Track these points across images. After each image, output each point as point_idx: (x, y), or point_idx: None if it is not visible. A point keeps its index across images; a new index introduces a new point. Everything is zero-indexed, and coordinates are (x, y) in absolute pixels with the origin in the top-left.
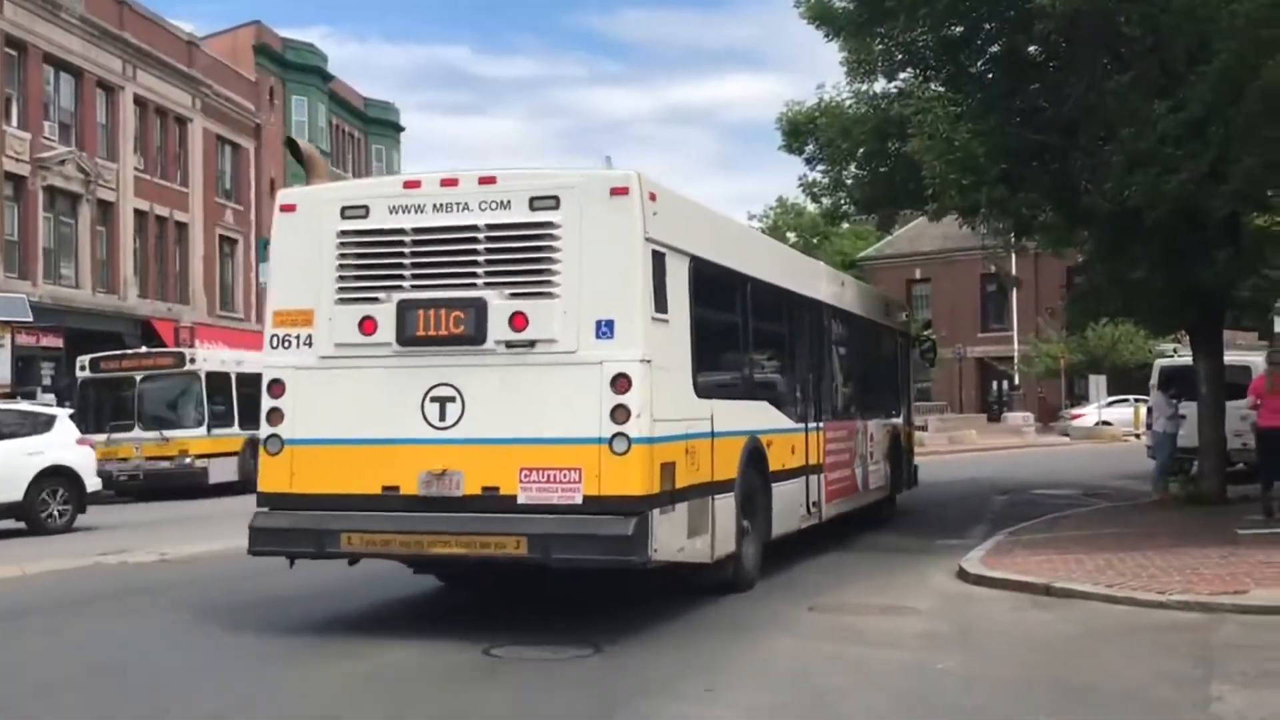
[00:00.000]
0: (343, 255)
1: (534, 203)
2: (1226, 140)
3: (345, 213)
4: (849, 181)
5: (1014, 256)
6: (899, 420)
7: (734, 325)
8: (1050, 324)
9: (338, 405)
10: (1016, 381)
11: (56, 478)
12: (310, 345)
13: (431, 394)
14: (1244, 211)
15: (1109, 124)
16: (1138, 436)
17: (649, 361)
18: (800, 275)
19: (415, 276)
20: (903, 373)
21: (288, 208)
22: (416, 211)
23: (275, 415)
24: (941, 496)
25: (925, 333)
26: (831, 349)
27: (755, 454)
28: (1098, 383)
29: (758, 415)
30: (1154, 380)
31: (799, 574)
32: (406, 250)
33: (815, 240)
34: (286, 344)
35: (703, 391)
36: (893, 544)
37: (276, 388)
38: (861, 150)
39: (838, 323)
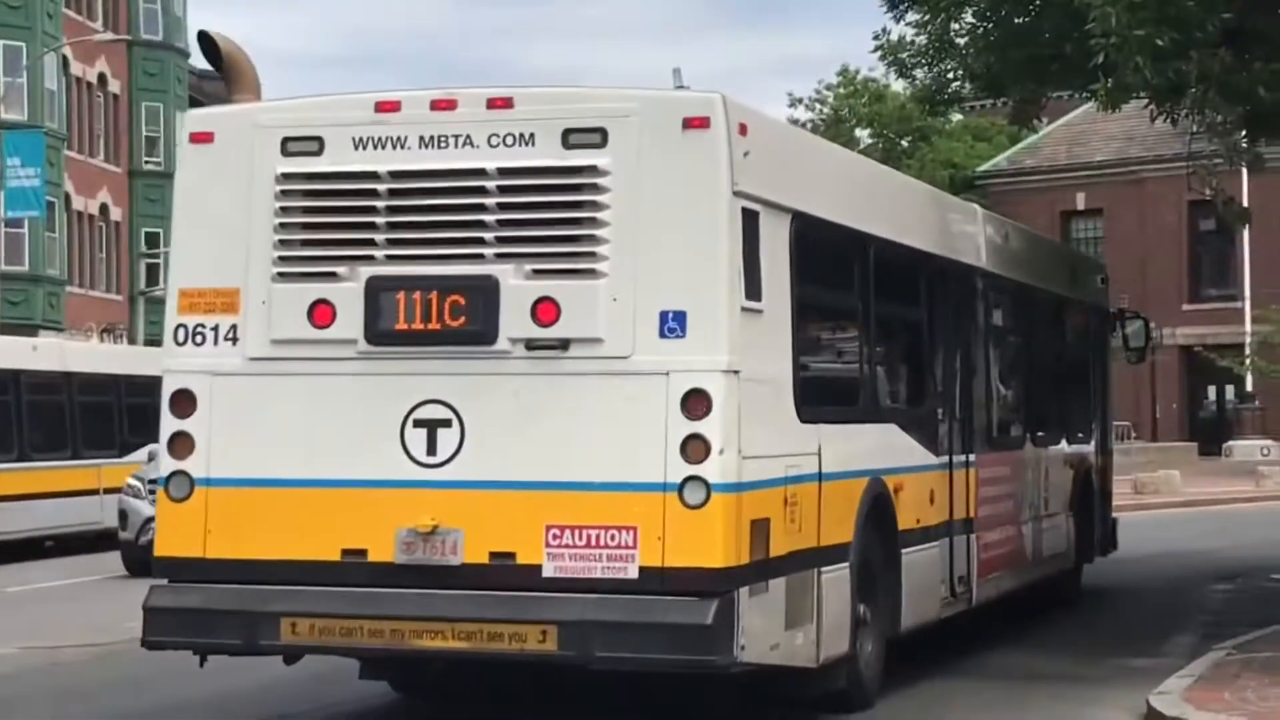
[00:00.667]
0: (284, 209)
1: (569, 137)
2: None
3: (289, 146)
4: (961, 41)
5: (1245, 173)
6: (1090, 447)
7: (852, 312)
8: None
9: (277, 429)
10: (1250, 387)
11: None
12: (234, 341)
13: (416, 415)
14: None
15: None
16: None
17: (737, 373)
18: (948, 229)
19: (393, 243)
20: (1098, 373)
21: (200, 137)
22: (395, 146)
23: (181, 443)
24: (1125, 581)
25: (1128, 312)
26: (991, 341)
27: (879, 505)
28: None
29: (882, 446)
30: None
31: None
32: (380, 204)
33: (905, 143)
34: (198, 338)
35: (808, 414)
36: (1035, 663)
37: (182, 402)
38: None
39: (1002, 300)
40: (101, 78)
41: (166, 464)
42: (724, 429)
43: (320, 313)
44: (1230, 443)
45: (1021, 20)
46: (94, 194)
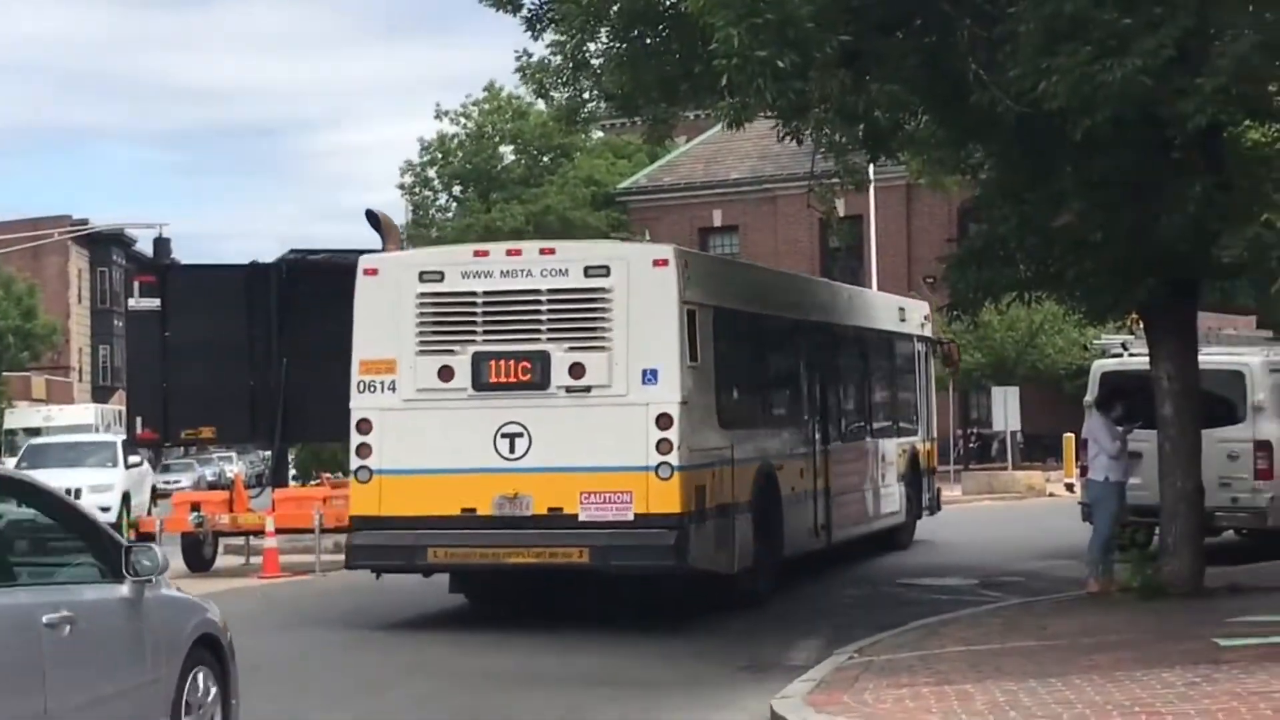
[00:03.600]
0: (421, 313)
1: (588, 270)
2: (1204, 4)
3: (423, 277)
4: (596, 62)
5: (872, 191)
6: (918, 438)
7: (751, 361)
8: (929, 300)
9: (419, 441)
10: None
11: None
12: (394, 390)
13: (502, 431)
14: (1231, 120)
15: None
16: (1070, 488)
17: (686, 403)
18: (811, 300)
19: (487, 332)
20: (923, 384)
21: (370, 271)
22: (486, 276)
23: (363, 449)
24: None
25: (944, 340)
26: (841, 369)
27: (768, 478)
28: (1005, 399)
29: (770, 443)
30: (1091, 394)
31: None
32: (479, 309)
33: (546, 159)
34: (372, 389)
35: (725, 424)
36: (658, 673)
37: (364, 426)
38: (615, 8)
39: (848, 341)
40: None
41: (355, 462)
42: (679, 435)
43: (445, 372)
44: None
45: (652, 40)
46: None
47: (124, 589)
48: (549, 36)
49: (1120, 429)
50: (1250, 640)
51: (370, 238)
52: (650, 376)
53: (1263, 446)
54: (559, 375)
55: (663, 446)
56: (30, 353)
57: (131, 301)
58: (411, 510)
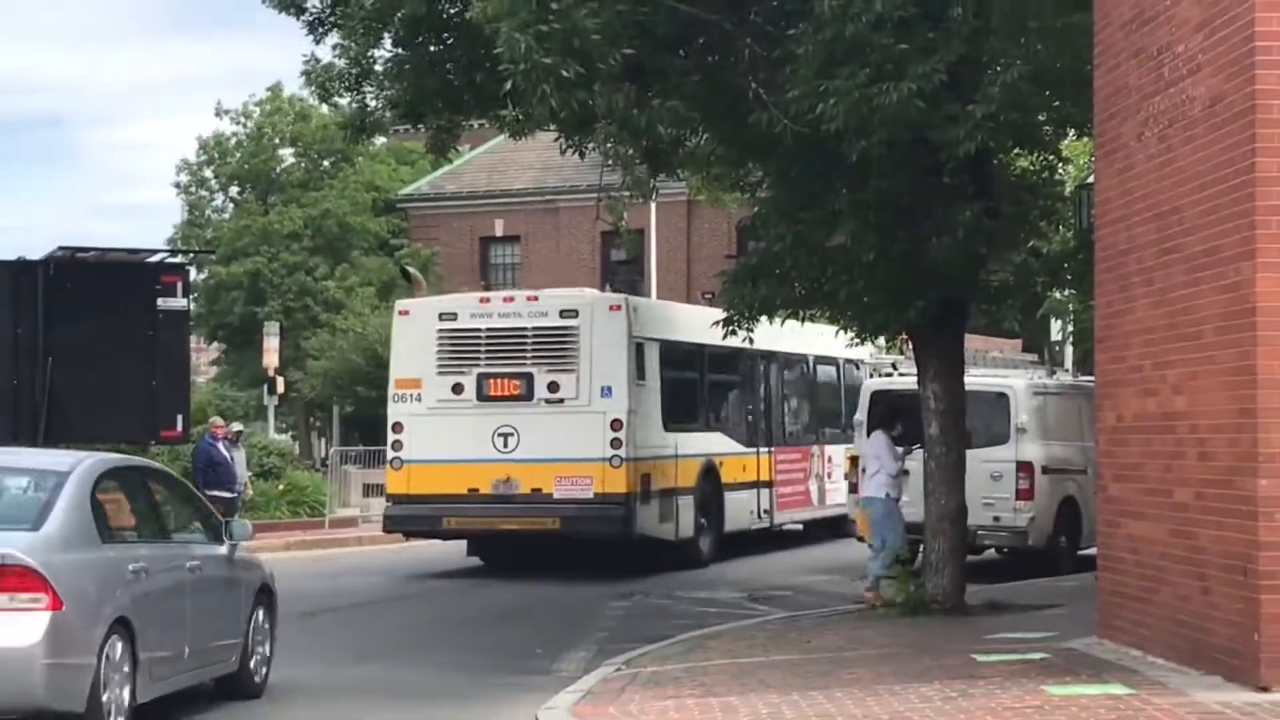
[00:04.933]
0: (441, 344)
1: (562, 313)
2: (977, 32)
3: (442, 317)
4: (380, 69)
5: (654, 205)
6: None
7: (693, 381)
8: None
9: (438, 438)
10: None
11: None
12: (420, 400)
13: (498, 431)
14: (1000, 147)
15: None
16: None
17: (634, 411)
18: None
19: (488, 357)
20: (845, 394)
21: (404, 312)
22: (487, 317)
23: (398, 444)
24: (523, 599)
25: (861, 362)
26: (778, 385)
27: (710, 470)
28: None
29: (711, 443)
30: (862, 413)
31: None
32: (482, 341)
33: (327, 163)
34: (404, 399)
35: (669, 429)
36: (427, 681)
37: (399, 427)
38: (400, 14)
39: (780, 364)
40: None
41: (391, 454)
42: (627, 435)
43: (456, 387)
44: None
45: (436, 49)
46: None
47: (223, 549)
48: (333, 39)
49: (900, 449)
50: (1006, 656)
51: (143, 238)
52: (607, 391)
53: (1025, 467)
54: (540, 390)
55: (615, 444)
56: None
57: None
58: (432, 490)
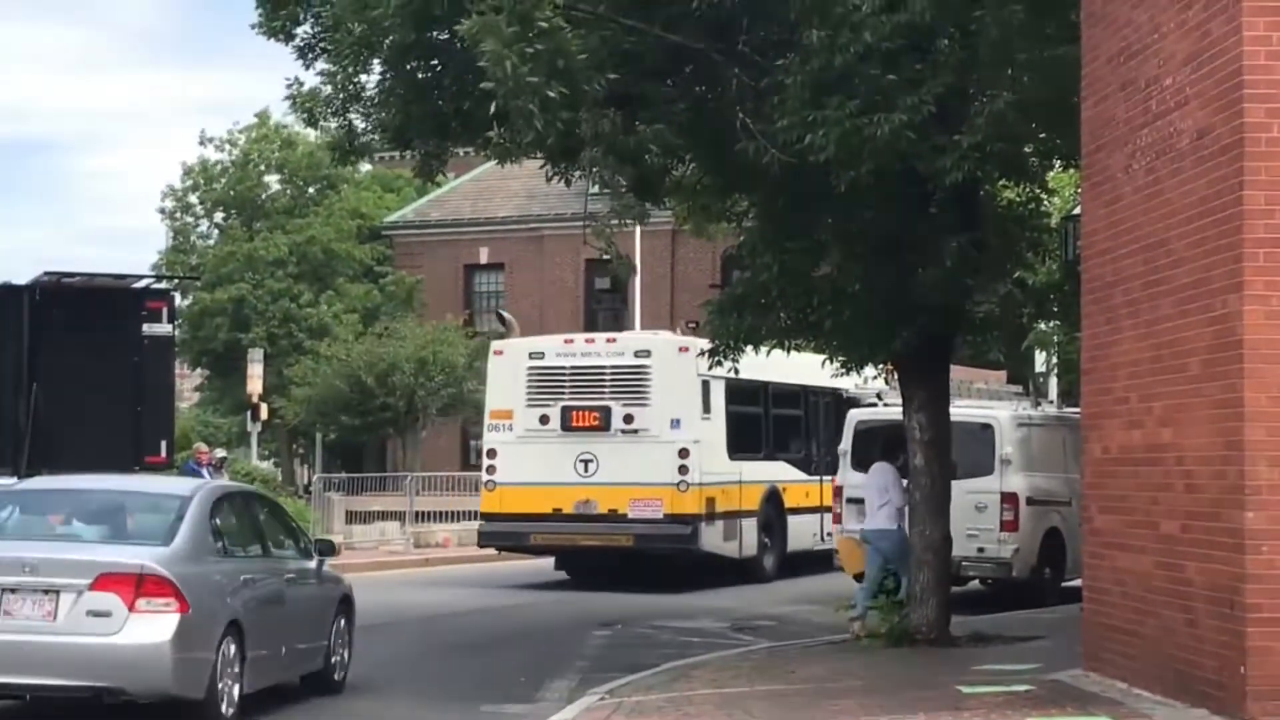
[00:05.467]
0: (530, 379)
1: (636, 353)
2: (964, 64)
3: (531, 355)
4: (368, 94)
5: (638, 232)
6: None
7: (757, 415)
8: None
9: (527, 463)
10: None
11: None
12: (511, 430)
13: (579, 458)
14: (987, 178)
15: (787, 22)
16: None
17: (699, 442)
18: (805, 371)
19: (571, 392)
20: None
21: (498, 352)
22: (571, 356)
23: (492, 469)
24: (507, 628)
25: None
26: (833, 420)
27: (774, 496)
28: None
29: (775, 471)
30: (847, 442)
31: None
32: (566, 377)
33: (312, 190)
34: (497, 429)
35: (734, 457)
36: (437, 710)
37: (493, 453)
38: (389, 41)
39: (835, 400)
40: None
41: (485, 477)
42: (693, 462)
43: (543, 419)
44: None
45: (425, 75)
46: None
47: (312, 564)
48: (322, 65)
49: (906, 481)
50: (992, 688)
51: (128, 264)
52: (676, 424)
53: (1009, 499)
54: (617, 421)
55: (682, 470)
56: None
57: None
58: (521, 509)
